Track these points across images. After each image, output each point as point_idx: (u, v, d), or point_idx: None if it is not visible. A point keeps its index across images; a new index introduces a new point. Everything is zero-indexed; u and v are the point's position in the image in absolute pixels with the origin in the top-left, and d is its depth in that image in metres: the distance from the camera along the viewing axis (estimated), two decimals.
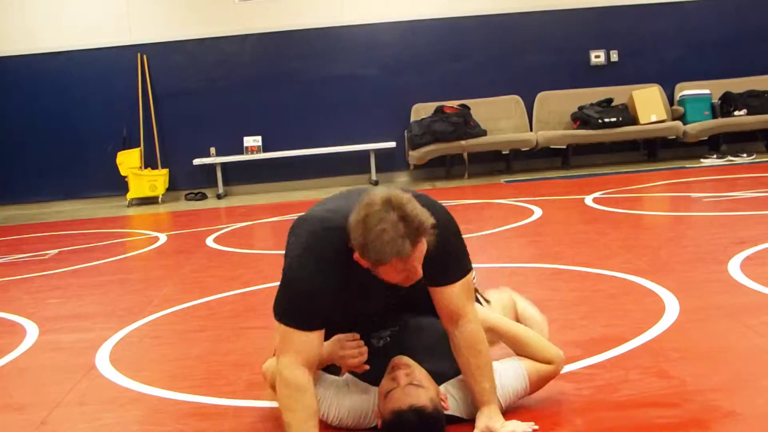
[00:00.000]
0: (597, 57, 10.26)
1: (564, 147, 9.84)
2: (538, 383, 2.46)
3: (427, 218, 2.09)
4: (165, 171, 10.10)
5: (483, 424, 2.30)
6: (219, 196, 10.09)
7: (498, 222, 6.01)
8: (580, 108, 9.84)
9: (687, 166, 8.99)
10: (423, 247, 2.11)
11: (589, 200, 6.89)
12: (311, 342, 2.21)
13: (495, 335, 2.51)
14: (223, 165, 10.18)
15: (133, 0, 10.11)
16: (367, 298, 2.39)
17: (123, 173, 9.95)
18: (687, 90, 10.01)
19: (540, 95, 10.18)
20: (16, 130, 10.16)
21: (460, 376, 2.39)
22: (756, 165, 8.61)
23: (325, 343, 2.34)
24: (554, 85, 10.17)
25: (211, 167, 10.18)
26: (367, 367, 2.39)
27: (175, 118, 10.22)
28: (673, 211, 6.53)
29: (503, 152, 9.88)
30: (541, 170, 9.80)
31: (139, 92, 10.13)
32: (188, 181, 10.31)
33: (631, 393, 2.53)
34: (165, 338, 3.72)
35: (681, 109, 9.89)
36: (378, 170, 10.06)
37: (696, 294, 3.62)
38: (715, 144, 9.87)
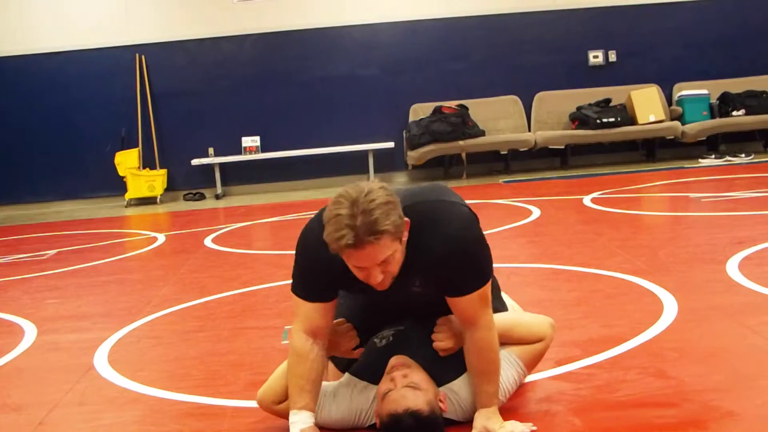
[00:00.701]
0: (595, 57, 10.27)
1: (562, 147, 9.84)
2: (533, 362, 2.48)
3: (383, 224, 2.02)
4: (163, 171, 10.10)
5: (480, 424, 2.30)
6: (217, 197, 10.09)
7: (496, 222, 6.02)
8: (579, 108, 9.85)
9: (685, 166, 9.00)
10: (375, 250, 2.05)
11: (587, 200, 6.89)
12: (315, 312, 2.32)
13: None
14: (222, 165, 10.18)
15: (131, 0, 10.10)
16: (387, 299, 2.36)
17: (121, 173, 9.94)
18: (685, 90, 10.02)
19: (538, 95, 10.19)
20: (15, 130, 10.15)
21: (461, 378, 2.39)
22: (754, 165, 8.62)
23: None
24: (552, 85, 10.18)
25: (210, 167, 10.18)
26: (360, 350, 2.43)
27: (174, 119, 10.22)
28: (671, 211, 6.53)
29: (502, 152, 9.88)
30: (540, 170, 9.81)
31: (137, 92, 10.12)
32: (187, 182, 10.31)
33: (629, 393, 2.53)
34: (163, 338, 3.72)
35: (679, 109, 9.90)
36: (376, 170, 10.06)
37: (694, 294, 3.62)
38: (713, 144, 9.88)
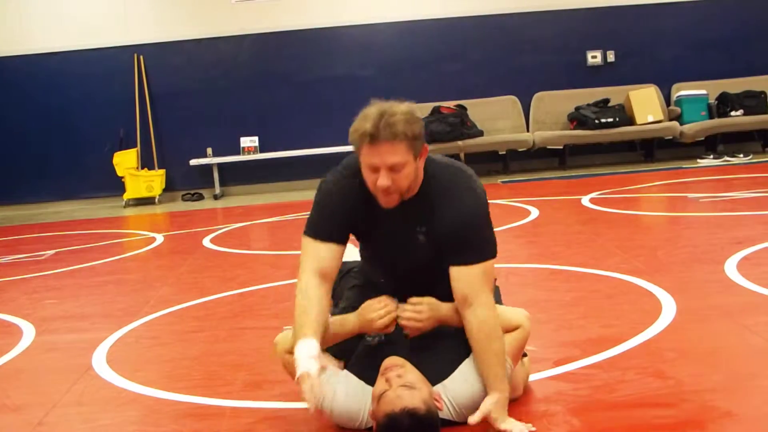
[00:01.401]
0: (594, 57, 10.27)
1: (561, 147, 9.84)
2: (516, 352, 2.44)
3: (402, 129, 2.29)
4: (162, 171, 10.09)
5: (486, 408, 2.28)
6: (216, 197, 10.08)
7: (495, 222, 6.00)
8: (577, 108, 9.85)
9: (684, 166, 9.00)
10: (389, 150, 2.25)
11: (586, 200, 6.89)
12: (323, 252, 2.40)
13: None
14: (220, 165, 10.17)
15: (130, 0, 10.10)
16: (393, 243, 2.45)
17: (120, 174, 9.94)
18: (684, 90, 10.02)
19: (537, 96, 10.19)
20: (13, 130, 10.14)
21: (455, 375, 2.38)
22: (753, 165, 8.62)
23: (352, 314, 2.42)
24: (551, 85, 10.18)
25: (208, 168, 10.17)
26: (393, 327, 2.41)
27: (172, 119, 10.21)
28: (670, 211, 6.53)
29: (500, 153, 9.88)
30: (538, 170, 9.80)
31: (135, 93, 10.12)
32: (185, 182, 10.31)
33: (628, 393, 2.54)
34: (162, 339, 3.72)
35: (678, 109, 9.90)
36: None
37: (693, 294, 3.62)
38: (711, 144, 9.88)
